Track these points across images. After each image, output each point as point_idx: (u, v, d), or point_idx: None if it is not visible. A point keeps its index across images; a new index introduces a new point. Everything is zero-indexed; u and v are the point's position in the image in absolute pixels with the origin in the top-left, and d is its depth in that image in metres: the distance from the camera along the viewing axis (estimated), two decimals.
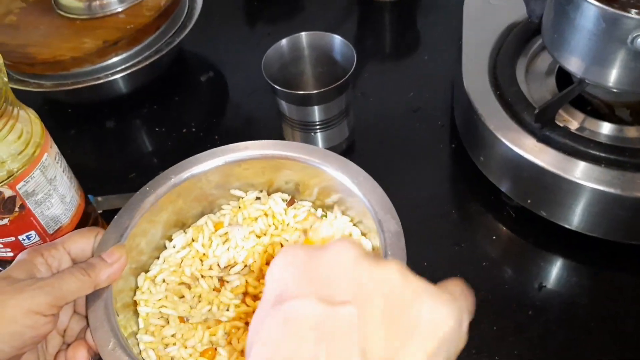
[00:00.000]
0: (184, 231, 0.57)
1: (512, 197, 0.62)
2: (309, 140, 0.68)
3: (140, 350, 0.48)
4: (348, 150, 0.71)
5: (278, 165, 0.56)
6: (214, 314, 0.51)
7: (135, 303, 0.51)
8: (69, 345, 0.47)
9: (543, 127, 0.57)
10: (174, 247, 0.55)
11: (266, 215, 0.57)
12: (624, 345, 0.53)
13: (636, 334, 0.54)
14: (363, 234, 0.55)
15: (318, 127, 0.67)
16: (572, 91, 0.58)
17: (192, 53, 0.87)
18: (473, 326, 0.55)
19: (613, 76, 0.54)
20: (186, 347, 0.49)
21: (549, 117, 0.58)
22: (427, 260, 0.60)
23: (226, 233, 0.56)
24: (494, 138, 0.59)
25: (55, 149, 0.53)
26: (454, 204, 0.66)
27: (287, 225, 0.57)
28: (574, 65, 0.57)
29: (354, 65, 0.63)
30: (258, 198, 0.59)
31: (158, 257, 0.55)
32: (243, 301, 0.52)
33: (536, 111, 0.56)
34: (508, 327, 0.55)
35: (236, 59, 0.84)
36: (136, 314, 0.51)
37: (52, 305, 0.42)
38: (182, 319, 0.51)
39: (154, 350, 0.48)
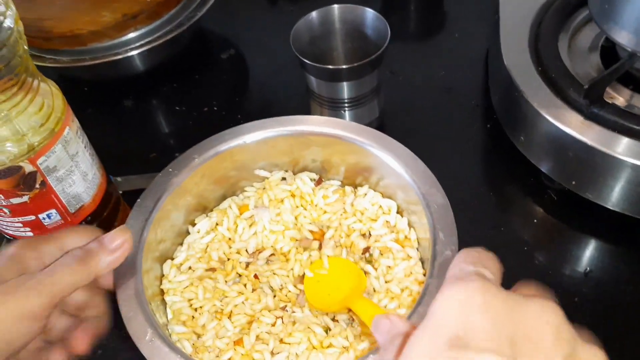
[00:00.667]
0: (207, 215, 0.54)
1: (554, 178, 0.59)
2: (338, 117, 0.65)
3: (174, 342, 0.46)
4: (378, 129, 0.68)
5: (307, 142, 0.53)
6: (244, 305, 0.48)
7: (162, 292, 0.49)
8: (49, 342, 0.41)
9: (591, 104, 0.54)
10: (198, 232, 0.52)
11: (293, 196, 0.54)
12: None
13: None
14: (400, 211, 0.53)
15: (347, 104, 0.64)
16: (622, 66, 0.55)
17: (213, 30, 0.83)
18: None
19: None
20: (220, 338, 0.46)
21: (599, 94, 0.54)
22: (465, 244, 0.57)
23: (252, 216, 0.53)
24: (538, 116, 0.56)
25: (77, 123, 0.50)
26: (491, 186, 0.62)
27: (316, 206, 0.54)
28: (625, 37, 0.53)
29: (387, 39, 0.60)
30: (283, 179, 0.56)
31: (181, 244, 0.52)
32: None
33: (586, 86, 0.53)
34: None
35: (258, 36, 0.81)
36: (164, 303, 0.49)
37: (46, 307, 0.36)
38: (214, 308, 0.48)
39: (187, 340, 0.45)
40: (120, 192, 0.63)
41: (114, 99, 0.76)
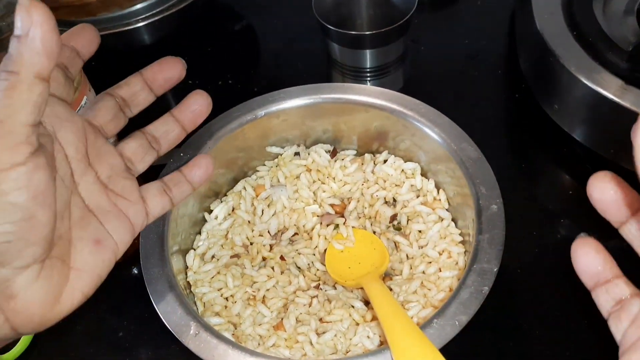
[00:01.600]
0: (222, 200, 0.51)
1: (590, 147, 0.56)
2: None
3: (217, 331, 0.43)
4: None
5: (318, 111, 0.50)
6: (276, 288, 0.45)
7: (189, 285, 0.46)
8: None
9: (633, 68, 0.51)
10: (215, 218, 0.50)
11: (309, 170, 0.52)
12: None
13: None
14: (423, 174, 0.50)
15: (370, 74, 0.61)
16: None
17: (224, 0, 0.80)
18: (557, 287, 0.51)
19: None
20: (259, 324, 0.43)
21: None
22: None
23: (269, 196, 0.51)
24: (575, 81, 0.53)
25: (93, 93, 0.48)
26: (523, 156, 0.60)
27: (334, 178, 0.52)
28: None
29: (415, 4, 0.57)
30: (297, 154, 0.53)
31: (199, 233, 0.49)
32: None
33: (630, 48, 0.50)
34: None
35: (271, 5, 0.78)
36: (192, 296, 0.46)
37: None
38: (246, 295, 0.45)
39: (226, 331, 0.43)
40: None
41: (123, 74, 0.73)
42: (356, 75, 0.61)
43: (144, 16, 0.66)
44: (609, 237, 0.52)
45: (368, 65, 0.60)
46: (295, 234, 0.50)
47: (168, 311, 0.39)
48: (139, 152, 0.38)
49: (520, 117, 0.63)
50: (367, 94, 0.49)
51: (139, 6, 0.66)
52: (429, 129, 0.47)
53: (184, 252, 0.47)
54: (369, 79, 0.62)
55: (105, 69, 0.73)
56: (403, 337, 0.36)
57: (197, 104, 0.41)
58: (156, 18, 0.66)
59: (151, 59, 0.71)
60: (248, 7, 0.79)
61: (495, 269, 0.38)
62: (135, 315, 0.50)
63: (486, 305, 0.49)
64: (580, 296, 0.49)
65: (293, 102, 0.50)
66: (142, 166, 0.38)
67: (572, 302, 0.49)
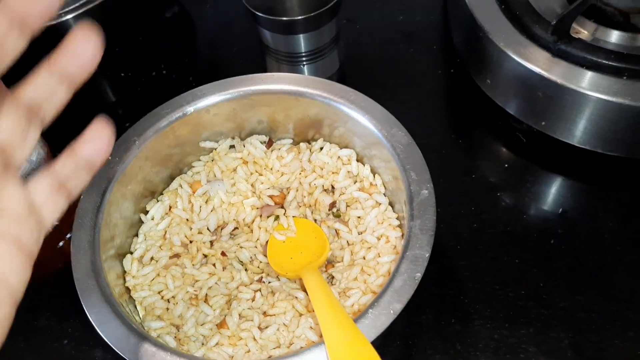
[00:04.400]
0: (157, 200, 0.50)
1: (523, 120, 0.57)
2: (297, 72, 0.62)
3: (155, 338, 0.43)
4: (340, 82, 0.65)
5: (251, 102, 0.50)
6: (219, 285, 0.45)
7: (128, 290, 0.45)
8: None
9: (559, 40, 0.52)
10: (152, 219, 0.49)
11: (246, 162, 0.52)
12: None
13: None
14: (359, 159, 0.50)
15: (306, 58, 0.60)
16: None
17: None
18: (495, 260, 0.52)
19: None
20: (202, 324, 0.43)
21: (566, 29, 0.52)
22: (438, 194, 0.55)
23: (206, 192, 0.50)
24: (504, 56, 0.54)
25: None
26: (459, 132, 0.61)
27: (272, 169, 0.51)
28: None
29: None
30: (232, 146, 0.52)
31: (136, 235, 0.49)
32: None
33: (553, 22, 0.51)
34: (532, 259, 0.52)
35: None
36: (132, 301, 0.45)
37: None
38: (188, 295, 0.45)
39: (168, 334, 0.42)
40: None
41: None
42: (291, 60, 0.61)
43: (71, 7, 0.64)
44: (548, 205, 0.54)
45: (302, 50, 0.60)
46: (236, 228, 0.49)
47: (104, 323, 0.38)
48: (16, 131, 0.26)
49: (456, 92, 0.64)
50: (296, 83, 0.48)
51: None
52: (360, 116, 0.46)
53: (122, 257, 0.47)
54: (304, 63, 0.62)
55: (28, 70, 0.70)
56: (335, 331, 0.36)
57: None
58: (84, 9, 0.64)
59: None
60: None
61: (427, 255, 0.39)
62: (77, 324, 0.49)
63: (427, 285, 0.50)
64: (518, 266, 0.51)
65: (222, 96, 0.49)
66: (24, 152, 0.26)
67: (510, 273, 0.51)
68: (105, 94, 0.70)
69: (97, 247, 0.41)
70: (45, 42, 0.70)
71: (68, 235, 0.50)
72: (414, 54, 0.67)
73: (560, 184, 0.56)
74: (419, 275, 0.38)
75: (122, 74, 0.69)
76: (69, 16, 0.64)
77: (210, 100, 0.49)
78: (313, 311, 0.44)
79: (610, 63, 0.51)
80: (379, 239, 0.46)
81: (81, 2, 0.64)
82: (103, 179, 0.45)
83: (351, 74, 0.66)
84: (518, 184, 0.57)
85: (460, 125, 0.62)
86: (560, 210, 0.54)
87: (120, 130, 0.49)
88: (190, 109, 0.48)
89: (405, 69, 0.66)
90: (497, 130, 0.60)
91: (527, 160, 0.58)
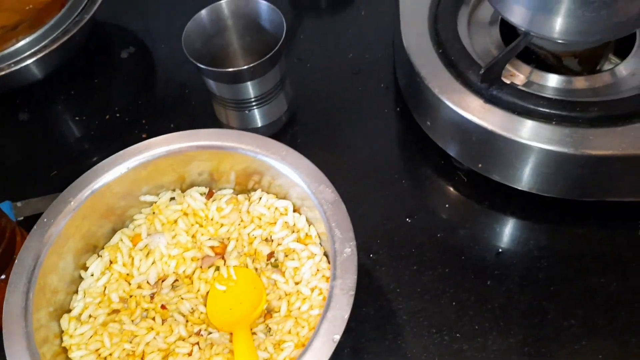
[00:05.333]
0: (98, 254, 0.51)
1: (462, 162, 0.59)
2: (244, 118, 0.63)
3: None
4: (289, 122, 0.66)
5: (187, 158, 0.51)
6: (157, 340, 0.46)
7: (65, 350, 0.46)
8: None
9: (490, 87, 0.54)
10: (91, 275, 0.50)
11: (186, 214, 0.53)
12: (589, 305, 0.51)
13: (601, 291, 0.52)
14: (296, 210, 0.52)
15: (254, 103, 0.62)
16: (518, 45, 0.54)
17: (109, 26, 0.79)
18: (432, 303, 0.53)
19: (559, 27, 0.50)
20: None
21: (495, 76, 0.54)
22: (378, 237, 0.57)
23: (146, 245, 0.52)
24: (439, 101, 0.55)
25: None
26: (403, 171, 0.62)
27: (212, 220, 0.53)
28: (518, 17, 0.53)
29: (284, 34, 0.58)
30: (172, 198, 0.54)
31: (77, 292, 0.50)
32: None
33: (481, 71, 0.52)
34: (468, 301, 0.53)
35: (158, 28, 0.78)
36: None
37: None
38: (124, 352, 0.46)
39: None
40: (21, 217, 0.60)
41: (7, 113, 0.71)
42: (238, 106, 0.62)
43: (19, 58, 0.65)
44: (486, 245, 0.55)
45: (248, 96, 0.61)
46: (176, 280, 0.51)
47: None
48: None
49: (401, 131, 0.65)
50: (231, 139, 0.49)
51: (14, 47, 0.65)
52: (290, 172, 0.48)
53: (61, 314, 0.48)
54: (252, 107, 0.63)
55: (8, 109, 0.71)
56: None
57: None
58: (42, 54, 0.65)
59: (35, 99, 0.71)
60: (135, 32, 0.78)
61: (345, 316, 0.40)
62: None
63: (367, 329, 0.51)
64: (454, 308, 0.52)
65: (157, 151, 0.50)
66: None
67: (446, 316, 0.52)
68: (59, 137, 0.70)
69: (29, 313, 0.42)
70: (6, 88, 0.72)
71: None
72: (362, 92, 0.68)
73: (498, 224, 0.58)
74: (337, 337, 0.39)
75: (77, 117, 0.70)
76: (29, 61, 0.65)
77: (145, 158, 0.50)
78: None
79: (539, 109, 0.52)
80: (312, 290, 0.48)
81: (39, 46, 0.66)
82: (37, 242, 0.46)
83: (300, 113, 0.67)
84: (458, 224, 0.58)
85: (404, 165, 0.63)
86: (498, 250, 0.56)
87: (73, 175, 0.50)
88: (124, 168, 0.49)
89: (352, 107, 0.67)
90: (439, 170, 0.61)
91: (467, 200, 0.60)
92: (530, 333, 0.51)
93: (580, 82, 0.56)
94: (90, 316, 0.48)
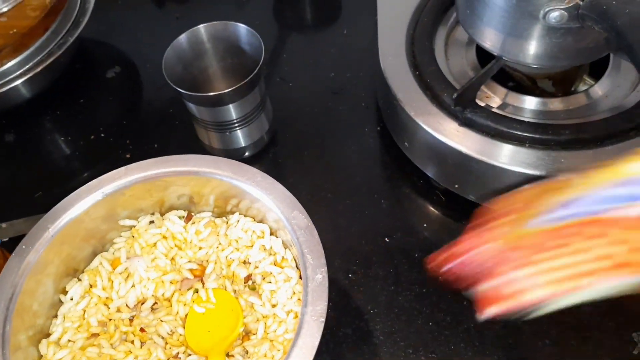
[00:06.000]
0: (78, 278, 0.52)
1: (439, 182, 0.59)
2: (226, 139, 0.64)
3: None
4: (270, 143, 0.67)
5: (164, 184, 0.52)
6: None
7: None
8: None
9: (464, 110, 0.54)
10: (71, 299, 0.51)
11: (165, 238, 0.54)
12: (563, 326, 0.52)
13: (574, 313, 0.52)
14: (272, 233, 0.53)
15: (235, 125, 0.62)
16: (491, 69, 0.55)
17: (94, 46, 0.80)
18: (409, 324, 0.54)
19: (530, 52, 0.51)
20: None
21: (469, 99, 0.55)
22: (357, 257, 0.58)
23: (126, 269, 0.52)
24: (415, 124, 0.56)
25: None
26: (382, 190, 0.63)
27: (191, 243, 0.53)
28: (490, 42, 0.54)
29: (262, 58, 0.59)
30: (152, 222, 0.55)
31: (56, 316, 0.50)
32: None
33: (454, 95, 0.53)
34: (444, 321, 0.54)
35: (143, 49, 0.78)
36: None
37: None
38: None
39: None
40: (6, 238, 0.61)
41: (22, 127, 0.72)
42: (219, 128, 0.62)
43: (4, 80, 0.66)
44: None
45: (230, 118, 0.61)
46: (155, 302, 0.51)
47: None
48: None
49: (380, 151, 0.66)
50: (207, 165, 0.50)
51: (6, 65, 0.66)
52: (264, 198, 0.49)
53: (40, 338, 0.48)
54: (234, 129, 0.63)
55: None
56: None
57: None
58: (30, 74, 0.66)
59: (20, 120, 0.72)
60: (119, 53, 0.79)
61: (316, 343, 0.41)
62: None
63: (344, 350, 0.52)
64: (431, 328, 0.53)
65: (134, 177, 0.51)
66: None
67: (422, 336, 0.53)
68: (44, 158, 0.71)
69: (6, 340, 0.43)
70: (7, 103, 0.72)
71: None
72: (342, 111, 0.69)
73: None
74: None
75: (62, 138, 0.71)
76: (18, 82, 0.66)
77: (123, 184, 0.51)
78: None
79: (512, 132, 0.53)
80: (287, 313, 0.48)
81: (27, 67, 0.67)
82: (15, 269, 0.47)
83: (281, 133, 0.68)
84: (436, 244, 0.58)
85: (383, 184, 0.64)
86: None
87: (58, 196, 0.51)
88: (102, 193, 0.50)
89: (333, 126, 0.68)
90: (417, 190, 0.62)
91: (445, 219, 0.60)
92: (505, 353, 0.52)
93: (555, 104, 0.57)
94: (69, 340, 0.48)
